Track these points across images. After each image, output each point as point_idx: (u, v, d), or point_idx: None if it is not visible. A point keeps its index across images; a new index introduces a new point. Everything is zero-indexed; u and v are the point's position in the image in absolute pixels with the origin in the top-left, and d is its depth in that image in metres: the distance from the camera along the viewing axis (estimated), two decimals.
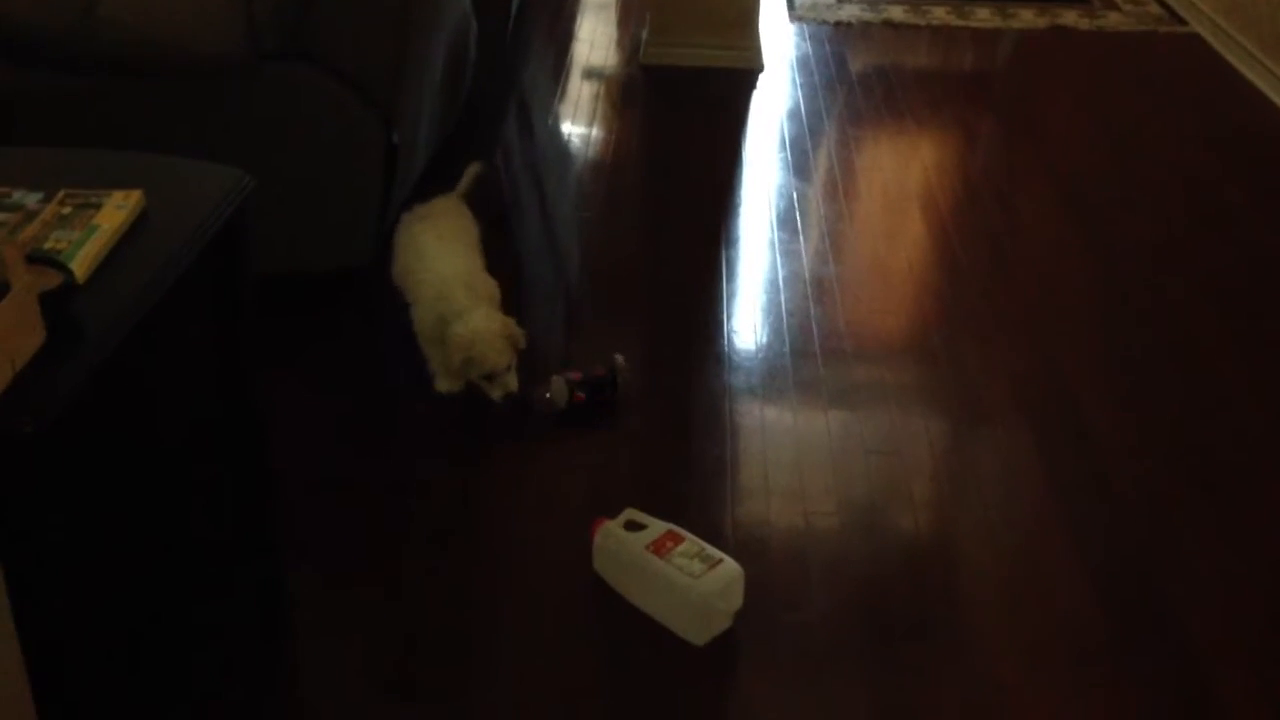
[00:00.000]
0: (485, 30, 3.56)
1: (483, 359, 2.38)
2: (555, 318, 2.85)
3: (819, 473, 2.41)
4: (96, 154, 1.84)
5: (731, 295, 3.00)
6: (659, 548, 2.05)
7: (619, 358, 2.56)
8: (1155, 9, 5.03)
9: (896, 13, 4.91)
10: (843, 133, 3.92)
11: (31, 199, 1.60)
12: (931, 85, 4.37)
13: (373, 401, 2.56)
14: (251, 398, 1.90)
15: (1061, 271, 3.18)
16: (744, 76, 4.30)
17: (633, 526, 2.10)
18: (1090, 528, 2.30)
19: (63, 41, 2.53)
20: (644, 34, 4.38)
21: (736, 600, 2.04)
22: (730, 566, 2.03)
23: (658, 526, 2.10)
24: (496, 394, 2.42)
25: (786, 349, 2.78)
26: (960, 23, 4.87)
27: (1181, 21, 4.88)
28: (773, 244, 3.23)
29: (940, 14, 4.93)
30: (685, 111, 4.06)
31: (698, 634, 2.00)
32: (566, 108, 4.02)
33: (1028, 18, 4.91)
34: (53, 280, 1.42)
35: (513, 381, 2.42)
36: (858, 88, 4.26)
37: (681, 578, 1.99)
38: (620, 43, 4.54)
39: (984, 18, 4.92)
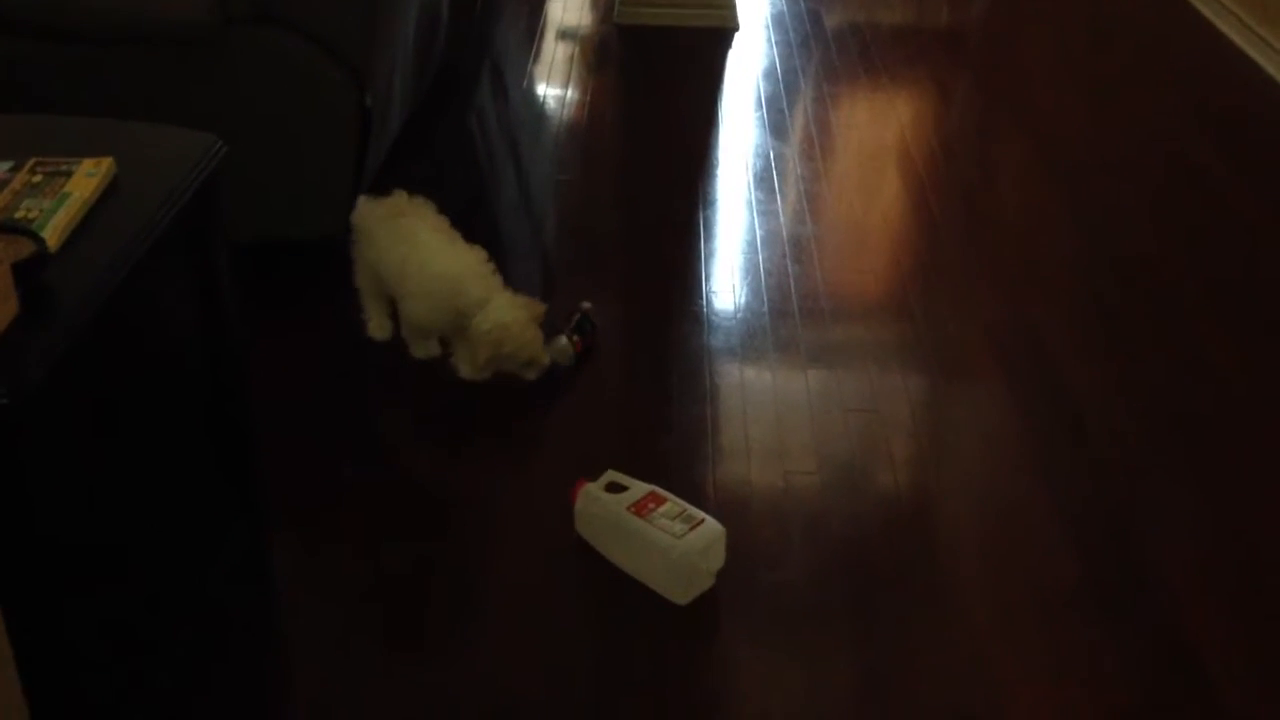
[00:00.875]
0: None
1: (517, 352, 2.38)
2: (533, 281, 2.84)
3: (799, 431, 2.41)
4: (66, 121, 1.81)
5: (710, 256, 2.99)
6: (641, 509, 2.06)
7: (585, 304, 2.60)
8: None
9: None
10: (819, 91, 3.91)
11: (1, 167, 1.58)
12: (907, 42, 4.36)
13: (352, 368, 2.55)
14: (234, 363, 1.89)
15: (1038, 228, 3.19)
16: (719, 35, 4.27)
17: (614, 488, 2.11)
18: (1068, 482, 2.32)
19: (31, 10, 2.49)
20: None
21: (718, 560, 2.05)
22: (712, 526, 2.04)
23: (639, 488, 2.10)
24: (531, 375, 2.44)
25: (765, 309, 2.79)
26: None
27: None
28: (750, 204, 3.22)
29: None
30: (661, 72, 4.04)
31: (680, 593, 2.01)
32: (541, 69, 4.00)
33: None
34: (25, 249, 1.40)
35: (544, 357, 2.44)
36: (833, 45, 4.24)
37: (663, 538, 2.00)
38: (594, 3, 4.51)
39: None
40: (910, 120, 3.79)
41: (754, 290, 2.86)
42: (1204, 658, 1.96)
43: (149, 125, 1.77)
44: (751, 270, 2.93)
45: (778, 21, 4.43)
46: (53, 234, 1.47)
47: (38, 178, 1.57)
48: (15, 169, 1.58)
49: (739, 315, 2.77)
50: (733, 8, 4.36)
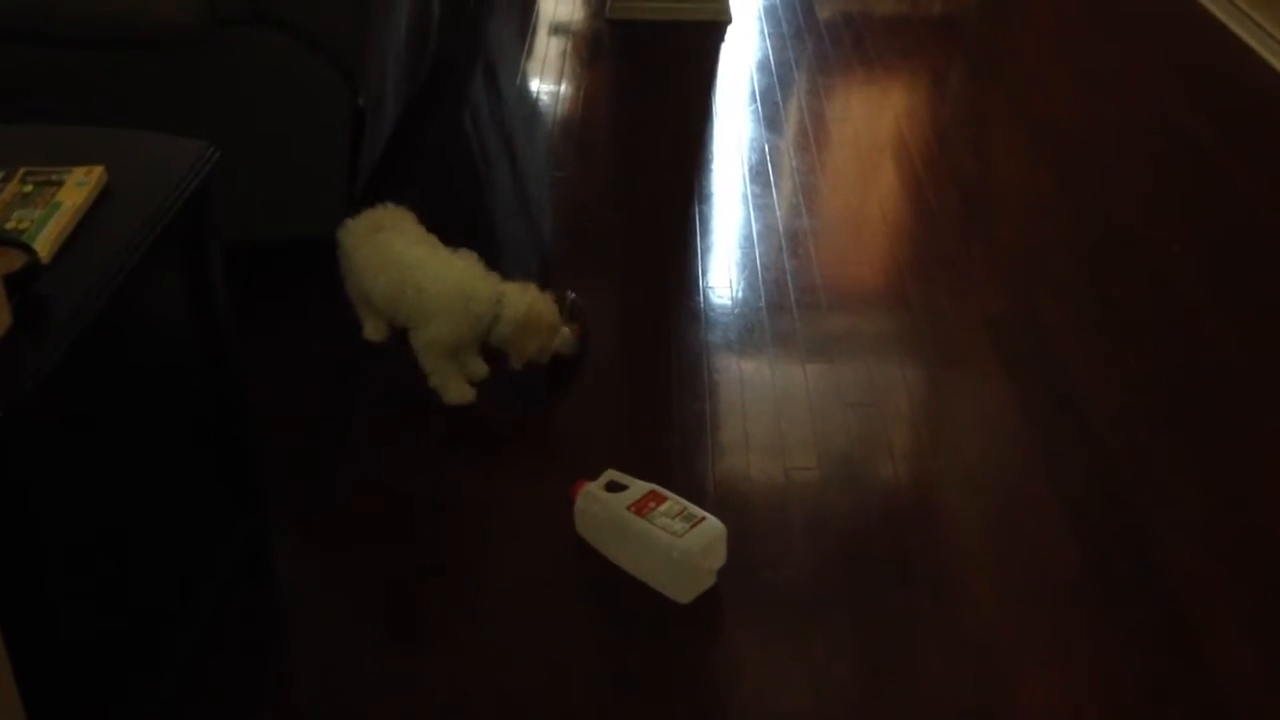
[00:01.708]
0: None
1: (553, 325, 2.40)
2: (529, 278, 2.83)
3: (798, 426, 2.41)
4: (56, 130, 1.80)
5: (706, 251, 2.98)
6: (641, 508, 2.05)
7: (570, 294, 2.58)
8: None
9: None
10: (813, 83, 3.90)
11: None
12: (900, 31, 4.34)
13: (348, 368, 2.54)
14: (230, 369, 1.88)
15: (1036, 216, 3.18)
16: (712, 29, 4.26)
17: (614, 487, 2.10)
18: (1070, 470, 2.31)
19: (20, 15, 2.48)
20: None
21: (719, 558, 2.04)
22: (712, 524, 2.03)
23: (639, 487, 2.10)
24: (565, 350, 2.46)
25: (762, 303, 2.78)
26: None
27: None
28: (746, 198, 3.21)
29: None
30: (654, 66, 4.03)
31: (682, 592, 2.00)
32: (534, 65, 3.98)
33: None
34: (16, 261, 1.39)
35: (570, 334, 2.46)
36: (826, 36, 4.23)
37: (664, 537, 2.00)
38: None
39: None
40: (905, 110, 3.77)
41: (751, 285, 2.85)
42: (1207, 641, 1.96)
43: (140, 133, 1.76)
44: (748, 265, 2.93)
45: (770, 14, 4.42)
46: (44, 245, 1.46)
47: (28, 188, 1.56)
48: (5, 179, 1.57)
49: (736, 310, 2.76)
50: (725, 1, 4.34)
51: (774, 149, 3.47)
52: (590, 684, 1.87)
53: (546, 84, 3.86)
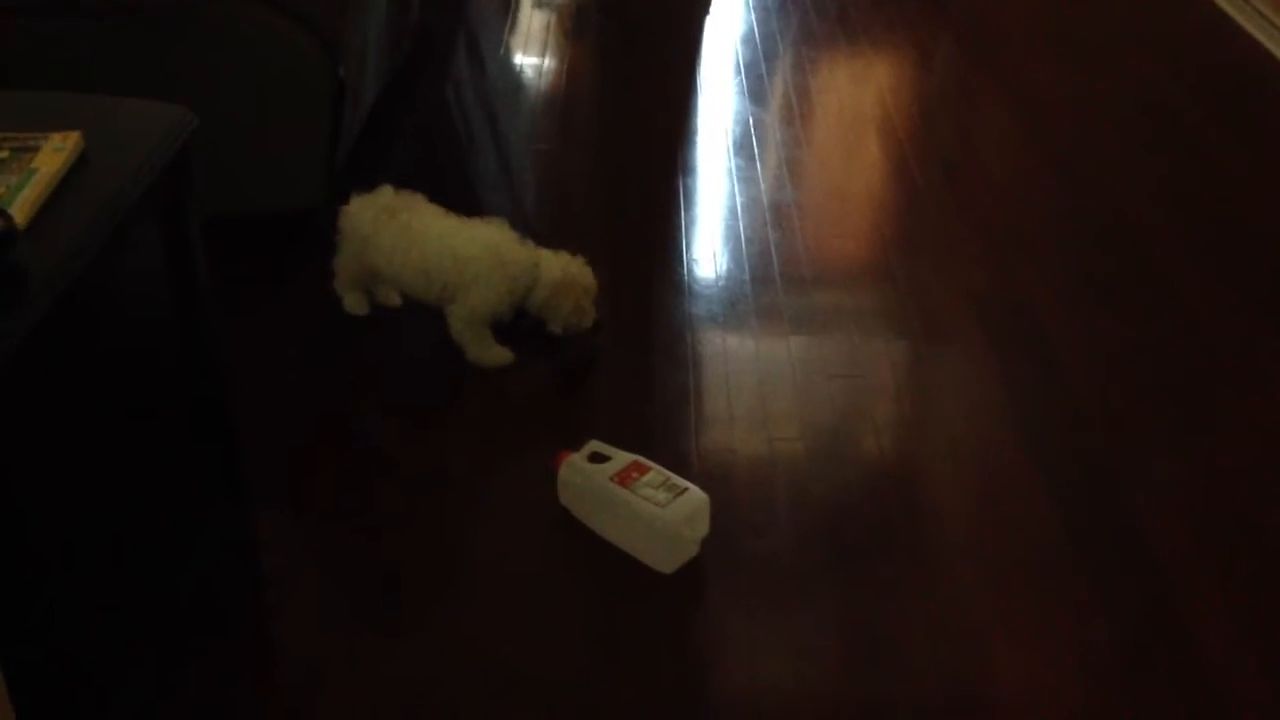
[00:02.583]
0: None
1: (589, 289, 2.43)
2: None
3: (782, 398, 2.41)
4: (33, 95, 1.78)
5: (690, 224, 2.98)
6: (624, 478, 2.05)
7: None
8: None
9: None
10: (797, 56, 3.88)
11: None
12: (886, 5, 4.33)
13: (329, 342, 2.53)
14: (209, 340, 1.87)
15: (1020, 191, 3.18)
16: (697, 1, 4.24)
17: (597, 458, 2.10)
18: (1052, 443, 2.32)
19: None
20: None
21: (703, 528, 2.04)
22: (696, 494, 2.03)
23: (622, 457, 2.09)
24: (588, 323, 2.47)
25: (746, 276, 2.77)
26: None
27: None
28: (730, 171, 3.21)
29: None
30: (639, 40, 4.01)
31: (666, 562, 2.00)
32: (518, 39, 3.96)
33: None
34: None
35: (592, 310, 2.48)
36: (811, 10, 4.21)
37: (647, 507, 1.99)
38: None
39: None
40: (890, 84, 3.76)
41: (735, 258, 2.84)
42: (1189, 619, 1.96)
43: (117, 98, 1.74)
44: (732, 238, 2.92)
45: None
46: (20, 211, 1.44)
47: (4, 153, 1.54)
48: None
49: (720, 283, 2.75)
50: None
51: (758, 122, 3.46)
52: (574, 653, 1.87)
53: (530, 57, 3.83)
